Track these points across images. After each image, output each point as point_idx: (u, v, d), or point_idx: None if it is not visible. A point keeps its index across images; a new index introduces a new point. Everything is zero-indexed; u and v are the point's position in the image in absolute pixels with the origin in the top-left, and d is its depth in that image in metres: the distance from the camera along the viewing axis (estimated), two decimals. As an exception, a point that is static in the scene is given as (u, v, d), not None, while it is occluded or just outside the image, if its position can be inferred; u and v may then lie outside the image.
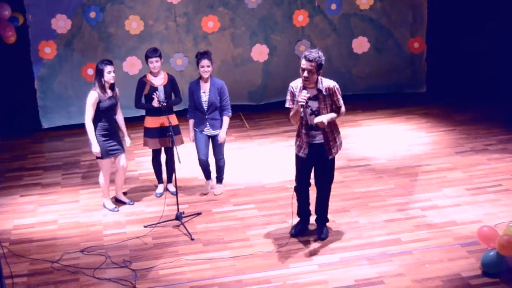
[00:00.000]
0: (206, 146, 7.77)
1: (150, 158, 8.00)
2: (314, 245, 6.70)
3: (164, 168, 8.02)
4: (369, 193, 7.85)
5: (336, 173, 8.18)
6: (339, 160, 8.63)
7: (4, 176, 8.83)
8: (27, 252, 6.80)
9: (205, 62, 7.47)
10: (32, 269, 6.48)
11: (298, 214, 6.98)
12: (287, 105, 6.50)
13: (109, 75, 7.22)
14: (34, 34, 10.08)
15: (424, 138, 9.60)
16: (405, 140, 9.58)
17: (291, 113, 6.42)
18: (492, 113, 10.41)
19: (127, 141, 7.66)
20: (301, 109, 6.28)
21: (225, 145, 7.97)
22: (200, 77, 7.59)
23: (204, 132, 7.69)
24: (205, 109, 7.59)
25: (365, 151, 9.19)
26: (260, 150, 9.44)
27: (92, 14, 10.18)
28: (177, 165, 7.31)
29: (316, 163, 6.63)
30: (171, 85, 7.69)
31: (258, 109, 11.01)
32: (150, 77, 7.64)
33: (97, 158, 7.40)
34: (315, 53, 6.22)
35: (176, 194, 7.36)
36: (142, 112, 7.87)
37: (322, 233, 6.83)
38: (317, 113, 6.37)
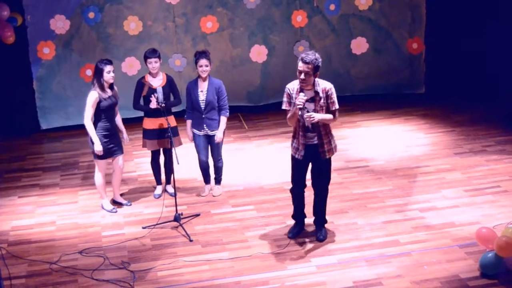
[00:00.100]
0: (205, 147, 7.77)
1: (149, 159, 8.00)
2: (313, 247, 6.70)
3: (163, 169, 8.02)
4: (368, 194, 7.85)
5: (334, 174, 8.20)
6: (338, 161, 8.65)
7: (2, 177, 8.82)
8: (25, 254, 6.79)
9: (203, 61, 7.47)
10: (30, 271, 6.47)
11: (294, 216, 6.98)
12: (283, 107, 6.50)
13: (108, 74, 7.22)
14: (33, 35, 10.07)
15: (422, 139, 9.60)
16: (404, 141, 9.58)
17: (289, 115, 6.42)
18: (490, 114, 10.42)
19: (126, 137, 7.65)
20: (299, 112, 6.28)
21: (224, 146, 7.97)
22: (199, 77, 7.60)
23: (201, 133, 7.69)
24: (203, 108, 7.58)
25: (364, 152, 9.19)
26: (259, 151, 9.44)
27: (91, 15, 10.17)
28: (175, 166, 7.31)
29: (313, 164, 6.64)
30: (170, 86, 7.69)
31: (257, 110, 11.01)
32: (148, 78, 7.63)
33: (96, 158, 7.38)
34: (312, 55, 6.23)
35: (175, 195, 7.36)
36: (141, 113, 7.87)
37: (320, 234, 6.83)
38: None
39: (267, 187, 8.15)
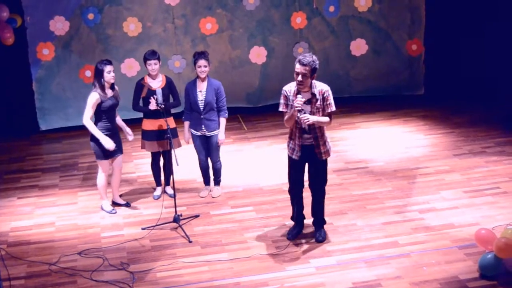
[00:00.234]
0: (205, 148, 7.77)
1: (148, 160, 8.00)
2: (312, 248, 6.70)
3: (162, 170, 8.02)
4: (367, 196, 7.85)
5: (334, 175, 8.21)
6: (337, 162, 8.66)
7: (1, 178, 8.82)
8: (24, 254, 6.78)
9: (202, 62, 7.47)
10: (29, 272, 6.47)
11: (293, 218, 6.98)
12: (280, 109, 6.51)
13: (109, 75, 7.21)
14: (32, 36, 10.07)
15: (422, 141, 9.61)
16: (403, 142, 9.59)
17: (286, 117, 6.43)
18: (490, 116, 10.43)
19: (129, 132, 7.62)
20: (297, 114, 6.28)
21: (223, 147, 7.98)
22: (197, 77, 7.60)
23: (199, 133, 7.68)
24: (201, 109, 7.58)
25: (363, 154, 9.19)
26: (258, 152, 9.44)
27: (90, 16, 10.18)
28: (175, 167, 7.31)
29: (309, 165, 6.65)
30: (169, 88, 7.69)
31: (256, 111, 11.01)
32: (148, 80, 7.63)
33: (98, 158, 7.37)
34: (309, 57, 6.24)
35: (174, 196, 7.35)
36: (140, 114, 7.87)
37: (319, 235, 6.83)
38: None
39: (266, 188, 8.15)
